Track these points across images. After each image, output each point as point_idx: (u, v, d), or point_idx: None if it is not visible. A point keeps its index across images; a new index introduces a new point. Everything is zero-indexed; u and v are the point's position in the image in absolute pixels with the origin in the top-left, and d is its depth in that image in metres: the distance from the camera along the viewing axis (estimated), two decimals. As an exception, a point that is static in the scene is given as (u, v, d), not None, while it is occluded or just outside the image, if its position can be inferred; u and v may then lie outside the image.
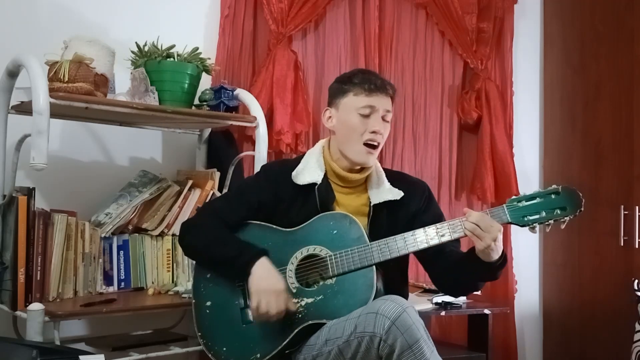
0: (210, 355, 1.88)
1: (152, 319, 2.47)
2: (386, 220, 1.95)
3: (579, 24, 3.44)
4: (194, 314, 1.94)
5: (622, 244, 3.15)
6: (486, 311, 2.85)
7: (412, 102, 3.21)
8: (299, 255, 1.88)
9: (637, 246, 3.11)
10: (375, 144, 1.93)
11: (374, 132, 1.92)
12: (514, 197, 1.82)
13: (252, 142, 2.66)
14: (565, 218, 1.78)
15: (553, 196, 1.79)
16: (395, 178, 2.03)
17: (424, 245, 1.82)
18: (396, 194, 1.96)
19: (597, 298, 3.28)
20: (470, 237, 1.77)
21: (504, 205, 1.80)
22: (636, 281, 2.89)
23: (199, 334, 1.91)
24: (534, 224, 1.78)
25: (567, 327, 3.42)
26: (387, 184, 1.99)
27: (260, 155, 2.44)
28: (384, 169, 2.05)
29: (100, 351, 2.11)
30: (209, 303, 1.92)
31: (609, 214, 3.21)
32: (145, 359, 2.08)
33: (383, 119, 1.94)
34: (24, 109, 2.07)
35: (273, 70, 2.72)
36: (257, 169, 2.36)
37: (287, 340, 1.81)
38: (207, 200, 2.42)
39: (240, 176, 2.58)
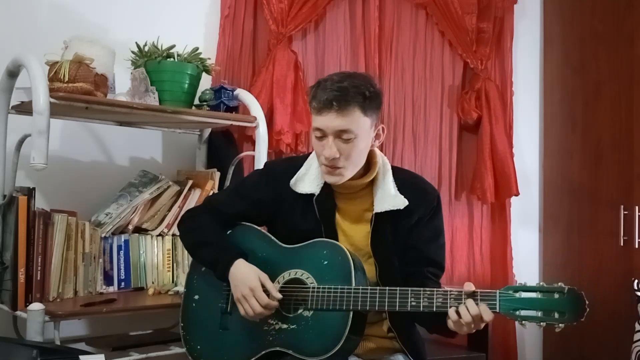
0: (185, 349, 1.87)
1: (152, 319, 2.47)
2: (390, 229, 1.81)
3: (579, 24, 3.44)
4: (182, 302, 1.93)
5: (622, 244, 3.16)
6: (486, 311, 2.85)
7: (412, 102, 3.21)
8: (286, 275, 1.78)
9: (637, 246, 3.11)
10: (332, 168, 1.75)
11: (327, 157, 1.72)
12: (511, 285, 1.58)
13: (252, 142, 2.65)
14: (561, 325, 1.57)
15: (556, 295, 1.59)
16: (407, 183, 1.84)
17: (404, 310, 1.63)
18: (399, 203, 1.78)
19: (597, 298, 3.26)
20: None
21: (498, 291, 1.56)
22: (636, 281, 2.89)
23: (182, 324, 1.91)
24: (524, 322, 1.55)
25: (567, 327, 3.40)
26: (392, 189, 1.81)
27: (260, 155, 2.43)
28: (398, 169, 1.89)
29: (100, 351, 2.11)
30: (196, 297, 1.90)
31: (609, 214, 3.21)
32: (145, 359, 2.08)
33: (340, 138, 1.70)
34: (24, 109, 2.07)
35: (273, 70, 2.72)
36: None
37: (254, 358, 1.77)
38: (214, 192, 2.41)
39: (240, 176, 2.58)
